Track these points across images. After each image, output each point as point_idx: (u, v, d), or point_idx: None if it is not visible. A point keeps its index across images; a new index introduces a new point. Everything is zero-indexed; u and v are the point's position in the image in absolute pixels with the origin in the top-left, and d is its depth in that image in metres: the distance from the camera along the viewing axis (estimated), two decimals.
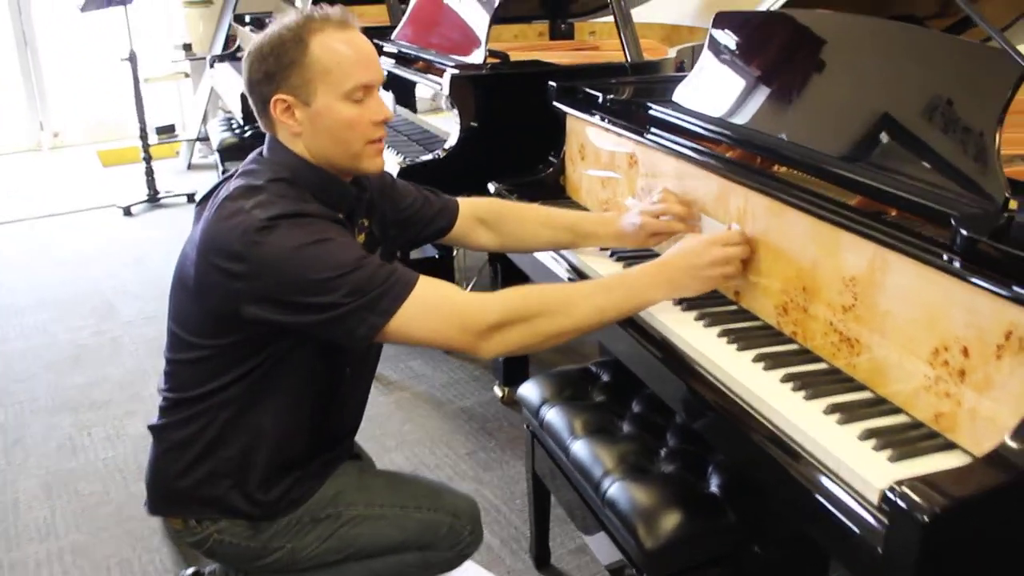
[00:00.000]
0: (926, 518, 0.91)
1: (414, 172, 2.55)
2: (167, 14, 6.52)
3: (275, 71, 1.30)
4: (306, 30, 1.30)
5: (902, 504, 0.94)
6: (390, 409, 2.80)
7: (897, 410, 1.19)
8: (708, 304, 1.53)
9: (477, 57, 2.68)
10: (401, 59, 3.09)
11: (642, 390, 1.81)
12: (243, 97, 4.07)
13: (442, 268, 3.34)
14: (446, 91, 2.58)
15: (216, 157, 4.86)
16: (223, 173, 4.63)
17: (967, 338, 1.07)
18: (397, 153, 2.84)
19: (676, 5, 3.29)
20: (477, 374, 3.00)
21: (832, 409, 1.19)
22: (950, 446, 1.10)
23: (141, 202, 5.17)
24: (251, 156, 1.40)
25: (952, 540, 0.93)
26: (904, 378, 1.18)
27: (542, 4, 3.79)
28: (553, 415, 1.76)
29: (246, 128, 4.73)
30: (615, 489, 1.50)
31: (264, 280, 1.24)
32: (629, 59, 2.68)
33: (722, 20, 1.83)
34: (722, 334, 1.43)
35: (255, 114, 1.38)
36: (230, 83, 4.75)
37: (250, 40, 1.43)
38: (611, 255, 1.80)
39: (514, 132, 2.56)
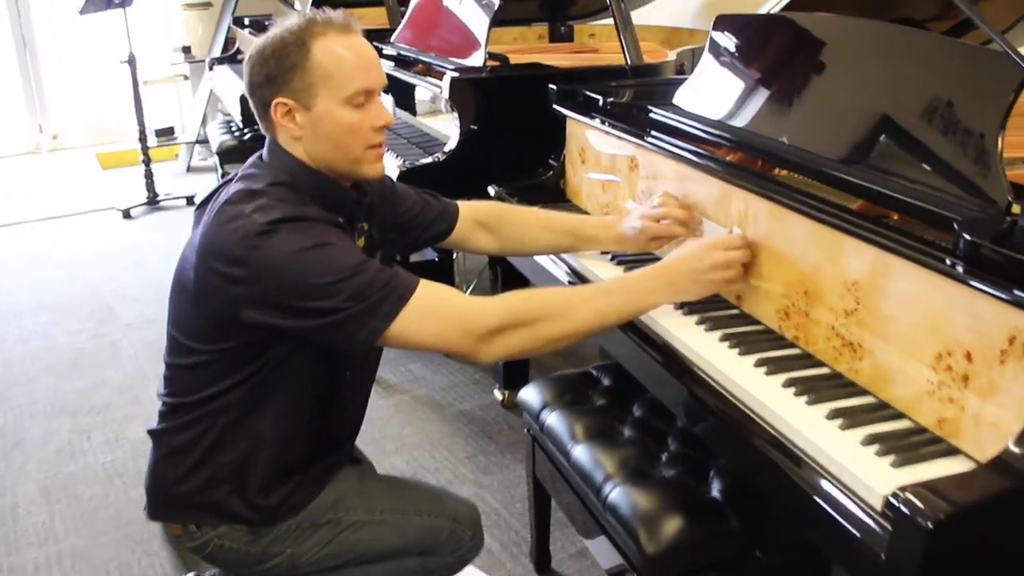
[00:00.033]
0: (930, 524, 0.90)
1: (414, 175, 2.54)
2: (166, 16, 6.52)
3: (276, 74, 1.30)
4: (308, 34, 1.29)
5: (905, 510, 0.93)
6: (390, 412, 2.79)
7: (900, 415, 1.18)
8: (709, 308, 1.52)
9: (477, 60, 2.68)
10: (400, 62, 3.09)
11: (643, 394, 1.81)
12: (242, 100, 4.08)
13: (442, 271, 3.33)
14: (446, 94, 2.58)
15: (215, 160, 4.85)
16: (222, 176, 4.66)
17: (970, 343, 1.07)
18: (396, 156, 2.83)
19: (676, 7, 3.28)
20: (477, 377, 3.00)
21: (834, 414, 1.18)
22: (953, 451, 1.10)
23: (140, 205, 5.17)
24: (251, 160, 1.40)
25: (956, 547, 0.93)
26: (907, 383, 1.17)
27: (542, 6, 3.79)
28: (554, 419, 1.76)
29: (245, 131, 4.73)
30: (616, 494, 1.50)
31: (264, 284, 1.23)
32: (629, 62, 2.68)
33: (723, 23, 1.83)
34: (724, 338, 1.42)
35: (255, 117, 1.37)
36: (229, 86, 4.75)
37: (249, 43, 1.42)
38: (612, 259, 1.80)
39: (514, 135, 2.56)
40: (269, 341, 1.31)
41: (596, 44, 3.75)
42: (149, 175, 5.17)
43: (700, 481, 1.55)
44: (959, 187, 1.21)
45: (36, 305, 3.78)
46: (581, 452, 1.64)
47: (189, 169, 6.05)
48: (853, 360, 1.27)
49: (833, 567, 1.54)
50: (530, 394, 1.87)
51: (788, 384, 1.27)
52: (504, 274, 2.45)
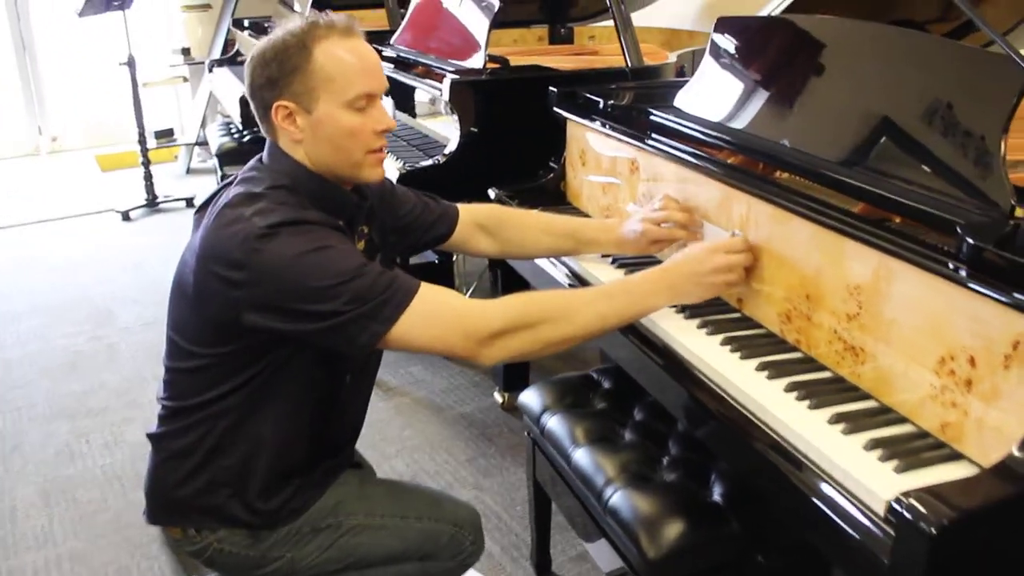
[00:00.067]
0: (934, 530, 0.90)
1: (414, 178, 2.54)
2: (166, 18, 6.51)
3: (278, 77, 1.29)
4: (310, 37, 1.29)
5: (909, 516, 0.93)
6: (390, 415, 2.79)
7: (903, 420, 1.18)
8: (711, 312, 1.52)
9: (477, 62, 2.67)
10: (400, 64, 3.08)
11: (644, 398, 1.80)
12: (242, 102, 4.07)
13: (441, 273, 3.33)
14: (446, 96, 2.57)
15: (215, 161, 4.85)
16: (222, 177, 4.65)
17: (974, 347, 1.07)
18: (396, 158, 2.83)
19: (676, 9, 3.28)
20: (477, 380, 2.99)
21: (837, 418, 1.18)
22: (957, 456, 1.09)
23: (140, 207, 5.17)
24: (251, 163, 1.39)
25: (960, 552, 0.92)
26: (910, 387, 1.17)
27: (541, 8, 3.78)
28: (554, 423, 1.75)
29: (245, 133, 4.73)
30: (617, 498, 1.50)
31: (264, 288, 1.23)
32: (629, 64, 2.67)
33: (724, 25, 1.82)
34: (725, 342, 1.42)
35: (256, 119, 1.37)
36: (229, 88, 4.75)
37: (249, 45, 1.42)
38: (612, 262, 1.79)
39: (514, 137, 2.56)
40: (269, 344, 1.31)
41: (596, 46, 3.74)
42: (148, 177, 5.17)
43: (701, 485, 1.54)
44: (962, 190, 1.21)
45: (34, 307, 3.78)
46: (582, 455, 1.63)
47: (188, 171, 6.05)
48: (855, 364, 1.27)
49: (834, 571, 1.55)
50: (530, 397, 1.87)
51: (790, 388, 1.27)
52: (504, 277, 2.45)
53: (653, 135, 1.81)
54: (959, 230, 1.11)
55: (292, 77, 1.29)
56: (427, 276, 1.33)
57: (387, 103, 3.13)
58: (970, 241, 1.08)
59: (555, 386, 1.88)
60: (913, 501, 0.93)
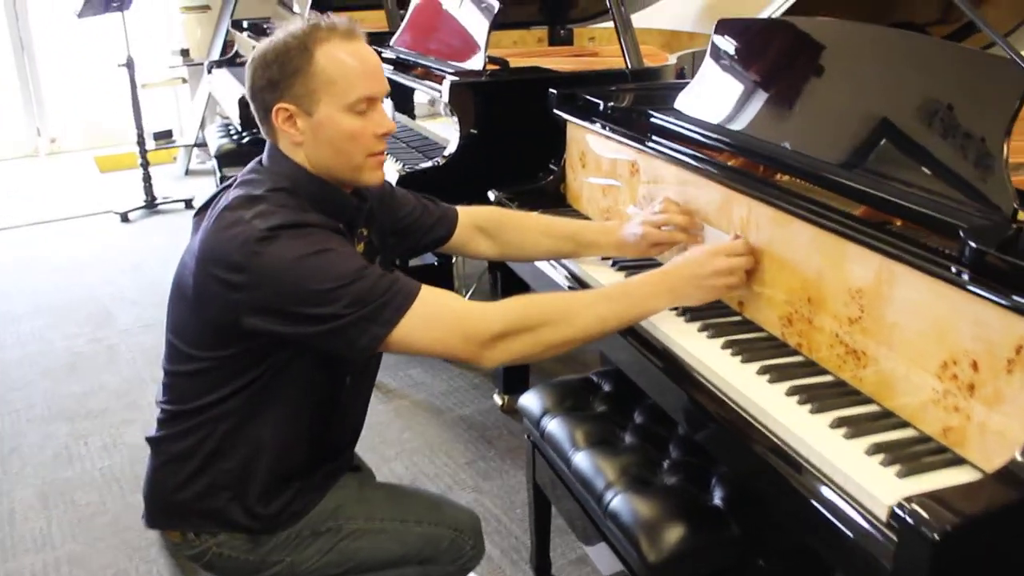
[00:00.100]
0: (936, 536, 0.89)
1: (413, 179, 2.54)
2: (165, 19, 6.51)
3: (279, 79, 1.29)
4: (312, 39, 1.28)
5: (911, 521, 0.92)
6: (389, 417, 2.78)
7: (905, 424, 1.17)
8: (711, 315, 1.51)
9: (476, 63, 2.67)
10: (400, 65, 3.08)
11: (644, 401, 1.80)
12: (241, 103, 4.06)
13: (441, 275, 3.33)
14: (446, 98, 2.57)
15: (214, 163, 4.85)
16: (221, 179, 4.65)
17: (976, 351, 1.06)
18: (396, 160, 2.82)
19: (676, 11, 3.28)
20: (477, 382, 2.99)
21: (839, 423, 1.17)
22: (959, 461, 1.09)
23: (138, 208, 5.16)
24: (250, 165, 1.39)
25: (962, 558, 0.92)
26: (912, 391, 1.16)
27: (541, 10, 3.78)
28: (554, 426, 1.75)
29: (244, 134, 4.72)
30: (618, 501, 1.49)
31: (264, 291, 1.22)
32: (629, 65, 2.67)
33: (724, 27, 1.82)
34: (726, 345, 1.42)
35: (256, 121, 1.37)
36: (228, 89, 4.74)
37: (248, 46, 1.42)
38: (612, 264, 1.79)
39: (514, 139, 2.55)
40: (269, 347, 1.30)
41: (596, 48, 3.74)
42: (147, 178, 5.17)
43: (702, 489, 1.54)
44: (964, 193, 1.20)
45: (33, 309, 3.77)
46: (582, 459, 1.63)
47: (187, 172, 6.05)
48: (857, 368, 1.26)
49: (835, 575, 1.54)
50: (530, 400, 1.86)
51: (791, 392, 1.26)
52: (504, 279, 2.44)
53: (653, 137, 1.80)
54: (962, 233, 1.10)
55: (293, 79, 1.28)
56: (426, 278, 1.33)
57: (386, 105, 3.12)
58: (972, 245, 1.08)
59: (555, 389, 1.88)
60: (916, 506, 0.93)
